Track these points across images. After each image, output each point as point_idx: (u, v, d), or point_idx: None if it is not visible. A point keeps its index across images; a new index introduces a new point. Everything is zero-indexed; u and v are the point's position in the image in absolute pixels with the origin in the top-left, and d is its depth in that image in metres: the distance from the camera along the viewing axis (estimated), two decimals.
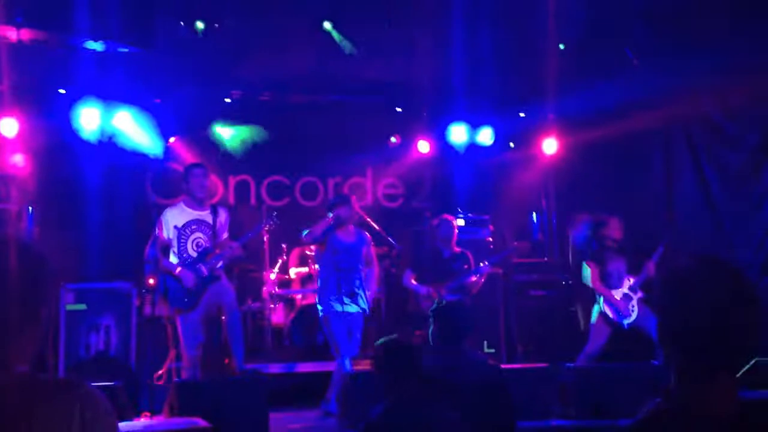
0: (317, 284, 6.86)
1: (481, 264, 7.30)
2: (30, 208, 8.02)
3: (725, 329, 1.59)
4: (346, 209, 6.63)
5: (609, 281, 6.88)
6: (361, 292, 6.53)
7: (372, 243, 6.92)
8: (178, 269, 6.14)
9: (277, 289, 8.61)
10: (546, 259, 9.59)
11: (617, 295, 6.82)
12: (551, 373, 5.95)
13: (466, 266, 7.31)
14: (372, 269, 6.82)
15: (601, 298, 6.89)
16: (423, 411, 3.32)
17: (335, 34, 7.70)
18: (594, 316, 7.00)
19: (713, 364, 1.60)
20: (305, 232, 6.68)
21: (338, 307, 6.44)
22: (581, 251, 7.37)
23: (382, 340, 3.65)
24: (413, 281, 7.31)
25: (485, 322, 8.23)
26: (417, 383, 3.46)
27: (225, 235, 6.40)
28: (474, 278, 7.28)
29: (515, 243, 7.71)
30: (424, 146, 9.82)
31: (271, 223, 6.83)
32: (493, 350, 8.20)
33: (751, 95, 7.81)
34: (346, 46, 7.32)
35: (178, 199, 6.53)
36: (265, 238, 7.98)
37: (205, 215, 6.32)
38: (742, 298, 1.61)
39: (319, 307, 6.62)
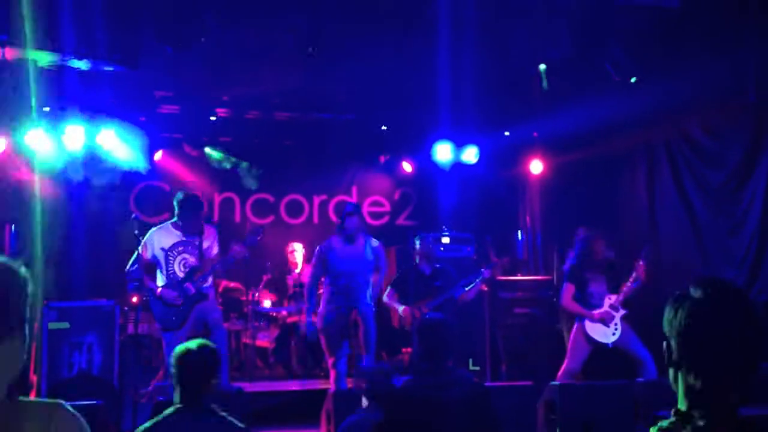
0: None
1: (466, 288, 7.28)
2: (13, 225, 7.98)
3: (735, 352, 1.64)
4: (354, 219, 6.62)
5: (590, 301, 6.87)
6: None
7: (381, 251, 6.83)
8: (159, 290, 6.13)
9: (261, 308, 8.59)
10: (530, 276, 9.62)
11: (599, 313, 6.82)
12: (536, 391, 5.95)
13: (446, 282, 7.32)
14: (380, 276, 6.84)
15: (583, 318, 6.90)
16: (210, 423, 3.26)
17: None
18: (573, 333, 7.01)
19: (723, 385, 1.65)
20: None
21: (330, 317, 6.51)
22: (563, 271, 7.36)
23: (179, 349, 3.51)
24: (394, 299, 7.31)
25: (470, 340, 8.24)
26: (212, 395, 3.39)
27: (215, 251, 6.41)
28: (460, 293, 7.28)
29: (495, 259, 7.68)
30: (407, 167, 9.95)
31: (257, 239, 6.75)
32: (478, 368, 8.19)
33: (732, 114, 7.91)
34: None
35: (164, 218, 6.52)
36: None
37: (192, 236, 6.33)
38: (750, 321, 1.66)
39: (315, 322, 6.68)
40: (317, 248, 6.73)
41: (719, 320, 1.65)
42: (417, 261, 7.35)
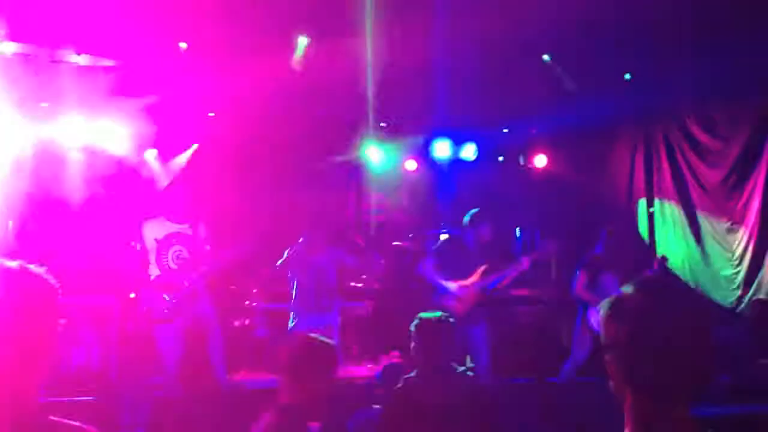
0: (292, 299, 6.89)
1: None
2: (10, 222, 7.95)
3: (676, 360, 1.50)
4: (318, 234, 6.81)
5: (600, 293, 6.87)
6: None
7: (345, 255, 7.01)
8: (152, 281, 6.13)
9: (261, 303, 8.58)
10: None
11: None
12: (536, 388, 5.96)
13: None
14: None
15: (587, 308, 6.90)
16: None
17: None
18: (577, 324, 7.01)
19: (668, 397, 1.51)
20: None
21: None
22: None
23: None
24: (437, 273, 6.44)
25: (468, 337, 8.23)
26: None
27: (207, 248, 6.39)
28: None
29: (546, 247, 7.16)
30: (411, 165, 9.97)
31: (247, 247, 6.70)
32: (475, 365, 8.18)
33: (731, 111, 7.91)
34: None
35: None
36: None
37: (185, 228, 6.32)
38: (692, 328, 1.52)
39: (291, 322, 6.74)
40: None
41: (665, 332, 1.49)
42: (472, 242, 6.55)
